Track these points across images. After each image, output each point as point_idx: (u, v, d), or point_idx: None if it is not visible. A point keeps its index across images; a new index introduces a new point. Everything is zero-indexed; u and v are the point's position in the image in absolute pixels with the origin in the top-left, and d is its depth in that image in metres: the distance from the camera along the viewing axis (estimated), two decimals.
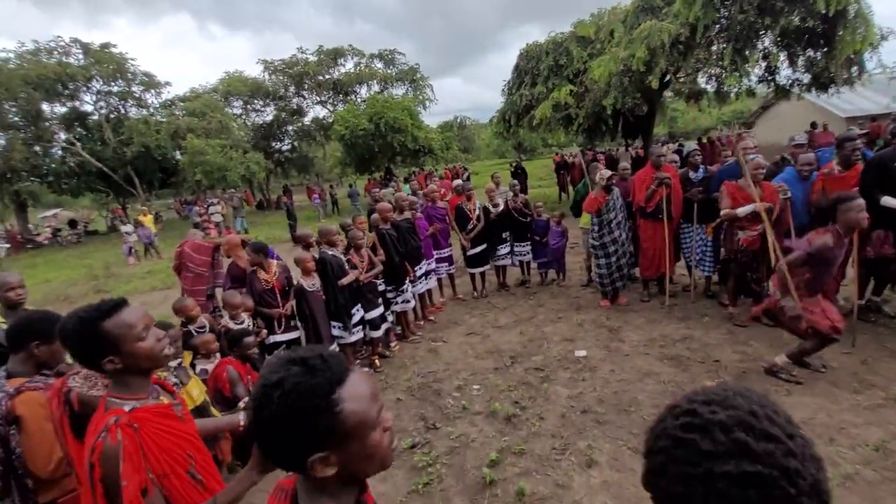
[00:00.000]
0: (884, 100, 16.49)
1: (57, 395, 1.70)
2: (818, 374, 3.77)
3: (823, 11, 7.99)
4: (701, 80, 10.29)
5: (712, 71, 9.47)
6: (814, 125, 11.02)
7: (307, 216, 20.11)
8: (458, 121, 44.71)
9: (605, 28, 11.43)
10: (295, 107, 29.81)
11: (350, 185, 21.36)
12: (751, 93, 13.28)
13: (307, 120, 30.79)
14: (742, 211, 4.27)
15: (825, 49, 9.34)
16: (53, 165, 24.17)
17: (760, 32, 9.55)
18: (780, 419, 0.55)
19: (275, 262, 4.51)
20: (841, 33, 9.11)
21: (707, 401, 0.57)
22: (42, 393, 1.79)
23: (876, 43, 9.21)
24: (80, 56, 23.15)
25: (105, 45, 23.68)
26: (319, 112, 30.26)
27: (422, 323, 5.96)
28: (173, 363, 3.03)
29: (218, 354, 3.57)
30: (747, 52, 8.64)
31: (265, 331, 4.02)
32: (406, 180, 18.36)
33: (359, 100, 27.41)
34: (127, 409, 1.29)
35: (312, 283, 4.40)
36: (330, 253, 4.58)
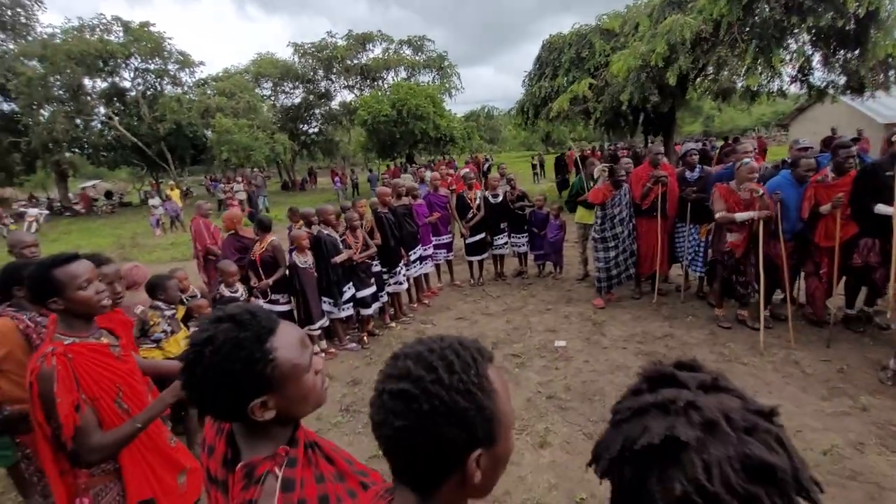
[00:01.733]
0: None
1: None
2: (789, 379, 3.79)
3: (853, 11, 7.68)
4: (723, 79, 10.02)
5: (735, 70, 9.22)
6: (833, 131, 10.62)
7: (327, 198, 20.55)
8: (486, 111, 44.49)
9: (631, 21, 11.23)
10: (323, 90, 30.22)
11: (370, 171, 21.67)
12: (782, 93, 12.84)
13: (334, 104, 31.20)
14: (741, 217, 4.26)
15: (856, 51, 8.98)
16: (93, 138, 25.29)
17: (792, 31, 9.26)
18: (455, 360, 0.66)
19: (271, 238, 4.75)
20: (874, 35, 8.75)
21: (426, 341, 0.72)
22: (9, 320, 2.12)
23: None
24: (121, 33, 24.00)
25: (144, 24, 24.45)
26: (347, 96, 30.61)
27: (415, 306, 6.15)
28: (168, 312, 3.31)
29: None
30: (773, 52, 8.36)
31: (253, 298, 4.27)
32: (426, 167, 18.49)
33: (385, 85, 27.61)
34: (66, 342, 1.55)
35: (305, 261, 4.63)
36: (325, 232, 4.80)
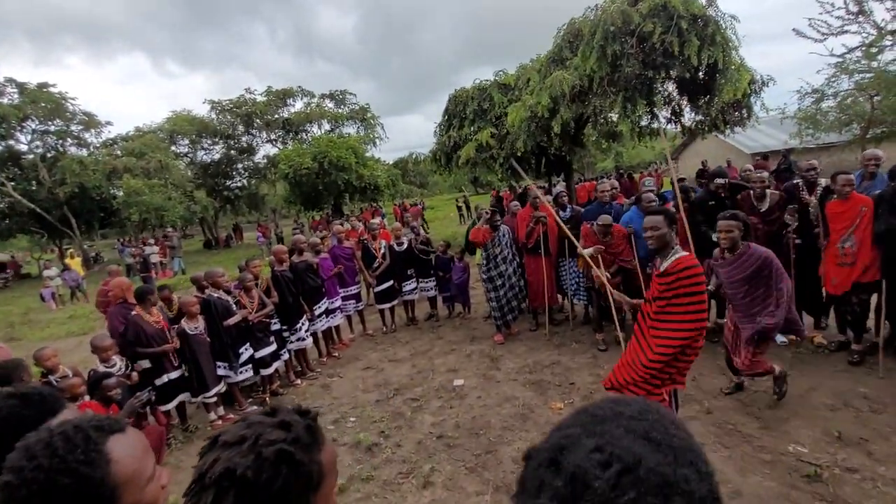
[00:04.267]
0: (782, 136, 18.31)
1: None
2: None
3: (696, 65, 9.06)
4: (601, 125, 11.30)
5: (608, 117, 10.46)
6: (703, 164, 12.23)
7: (251, 254, 19.98)
8: (413, 157, 45.84)
9: (524, 77, 12.40)
10: (245, 145, 29.85)
11: (301, 223, 21.47)
12: (658, 132, 14.62)
13: (258, 157, 30.84)
14: (586, 252, 4.82)
15: (707, 96, 10.51)
16: None
17: (655, 82, 10.69)
18: (61, 444, 0.77)
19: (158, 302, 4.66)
20: (722, 82, 10.34)
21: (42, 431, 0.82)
22: None
23: (748, 90, 10.44)
24: (15, 95, 22.63)
25: (43, 85, 23.23)
26: (270, 150, 30.41)
27: (324, 360, 6.15)
28: None
29: (87, 397, 3.68)
30: (637, 101, 9.59)
31: (136, 374, 4.13)
32: (345, 219, 18.58)
33: (310, 138, 27.82)
34: None
35: (195, 327, 4.57)
36: (215, 295, 4.79)
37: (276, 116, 28.75)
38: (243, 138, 29.83)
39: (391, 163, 36.03)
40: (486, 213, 5.95)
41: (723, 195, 4.79)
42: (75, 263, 14.11)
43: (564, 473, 0.44)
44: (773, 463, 3.14)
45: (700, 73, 10.27)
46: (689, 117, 13.30)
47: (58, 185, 21.93)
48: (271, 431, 0.74)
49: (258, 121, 28.46)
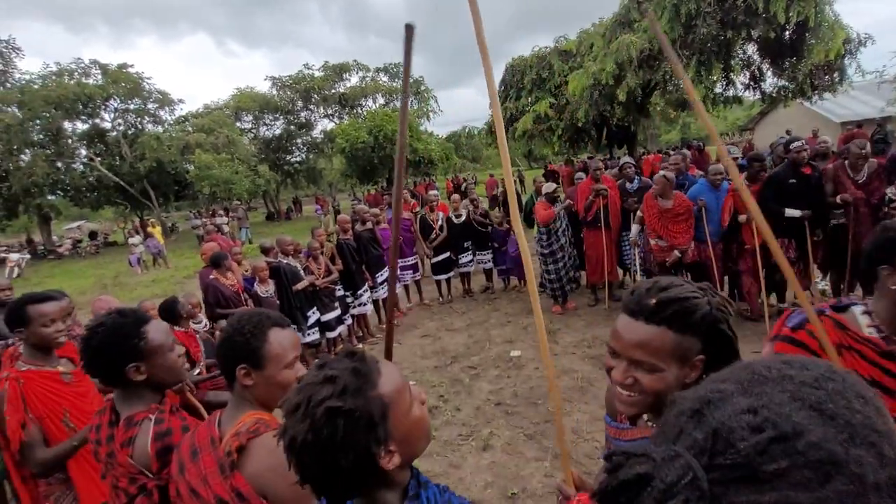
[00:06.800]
0: (879, 103, 16.41)
1: None
2: None
3: (783, 23, 8.25)
4: (670, 92, 10.59)
5: (679, 84, 9.77)
6: (788, 133, 11.21)
7: (310, 226, 20.82)
8: (466, 131, 45.46)
9: (586, 42, 11.82)
10: (303, 120, 30.79)
11: (356, 197, 22.06)
12: (738, 100, 13.54)
13: (315, 132, 31.78)
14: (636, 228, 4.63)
15: (794, 58, 9.57)
16: (74, 180, 25.49)
17: (734, 44, 9.83)
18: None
19: (236, 267, 4.99)
20: (809, 42, 9.35)
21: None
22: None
23: (842, 51, 9.39)
24: (99, 76, 24.44)
25: (122, 66, 24.93)
26: (327, 125, 31.20)
27: (384, 326, 6.37)
28: None
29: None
30: (713, 65, 8.90)
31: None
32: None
33: (365, 112, 28.26)
34: (22, 369, 1.83)
35: (266, 290, 4.87)
36: (285, 261, 5.05)
37: (333, 91, 29.35)
38: (302, 113, 30.78)
39: (444, 137, 35.83)
40: (540, 183, 5.84)
41: (808, 171, 4.38)
42: (156, 232, 15.33)
43: (706, 426, 0.40)
44: None
45: (786, 33, 9.37)
46: (770, 82, 12.23)
47: (138, 160, 23.71)
48: (319, 389, 0.76)
49: (316, 96, 29.19)
